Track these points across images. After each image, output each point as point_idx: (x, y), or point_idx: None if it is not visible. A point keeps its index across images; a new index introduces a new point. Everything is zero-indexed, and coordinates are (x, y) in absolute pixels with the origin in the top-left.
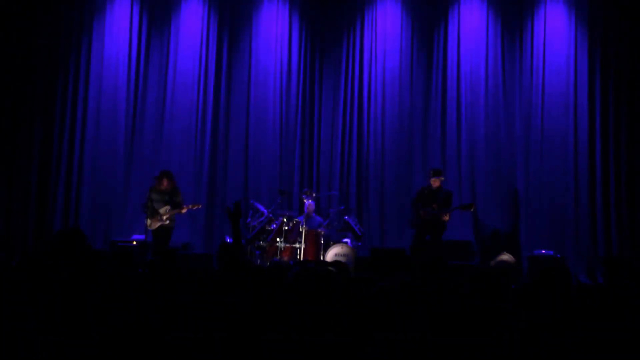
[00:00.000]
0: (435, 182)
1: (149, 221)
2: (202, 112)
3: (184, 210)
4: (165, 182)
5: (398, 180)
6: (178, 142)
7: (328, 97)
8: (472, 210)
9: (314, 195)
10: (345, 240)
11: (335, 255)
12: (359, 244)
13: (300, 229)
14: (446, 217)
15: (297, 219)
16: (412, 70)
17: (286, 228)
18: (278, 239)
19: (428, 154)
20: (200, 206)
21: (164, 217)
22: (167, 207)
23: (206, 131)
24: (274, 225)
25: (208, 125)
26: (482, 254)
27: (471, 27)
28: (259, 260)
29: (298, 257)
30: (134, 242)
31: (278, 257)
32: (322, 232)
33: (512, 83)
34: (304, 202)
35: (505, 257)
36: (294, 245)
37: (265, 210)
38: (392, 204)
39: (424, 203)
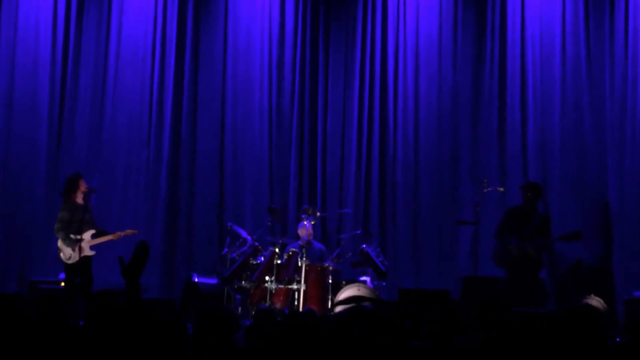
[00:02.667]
0: (525, 198)
1: (68, 251)
2: (159, 97)
3: (117, 237)
4: (83, 184)
5: (438, 191)
6: (124, 140)
7: (337, 76)
8: (580, 239)
9: (317, 214)
10: (364, 278)
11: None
12: (384, 283)
13: (299, 263)
14: (532, 252)
15: (293, 249)
16: (457, 35)
17: (279, 262)
18: (267, 278)
19: (480, 153)
20: (136, 232)
21: (88, 245)
22: (92, 232)
23: (164, 125)
24: (262, 258)
25: (167, 117)
26: (559, 297)
27: None
28: (240, 308)
29: (296, 302)
30: (62, 284)
31: (267, 302)
32: (330, 267)
33: (601, 52)
34: (299, 225)
35: (593, 301)
36: (290, 287)
37: (248, 237)
38: (429, 227)
39: (513, 230)
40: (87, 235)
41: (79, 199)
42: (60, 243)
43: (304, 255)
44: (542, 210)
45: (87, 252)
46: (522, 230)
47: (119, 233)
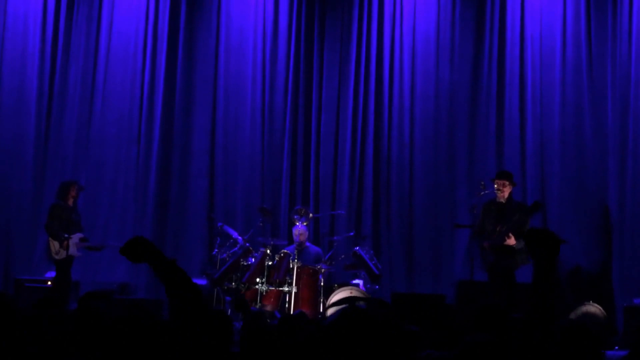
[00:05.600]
0: (501, 192)
1: (56, 246)
2: (149, 94)
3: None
4: (77, 189)
5: (434, 193)
6: (113, 137)
7: (331, 75)
8: (538, 211)
9: (310, 215)
10: (357, 281)
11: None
12: (376, 287)
13: (291, 265)
14: (511, 240)
15: (285, 250)
16: (455, 34)
17: (270, 263)
18: (258, 280)
19: (477, 155)
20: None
21: (75, 246)
22: (80, 235)
23: (154, 122)
24: (252, 259)
25: (157, 114)
26: (558, 304)
27: None
28: (229, 310)
29: (287, 305)
30: (49, 282)
31: (258, 304)
32: (322, 270)
33: (602, 53)
34: (293, 228)
35: (592, 308)
36: (281, 289)
37: (239, 238)
38: (424, 229)
39: (491, 226)
40: (75, 236)
41: (70, 202)
42: (50, 239)
43: (297, 257)
44: (520, 200)
45: (74, 252)
46: (501, 224)
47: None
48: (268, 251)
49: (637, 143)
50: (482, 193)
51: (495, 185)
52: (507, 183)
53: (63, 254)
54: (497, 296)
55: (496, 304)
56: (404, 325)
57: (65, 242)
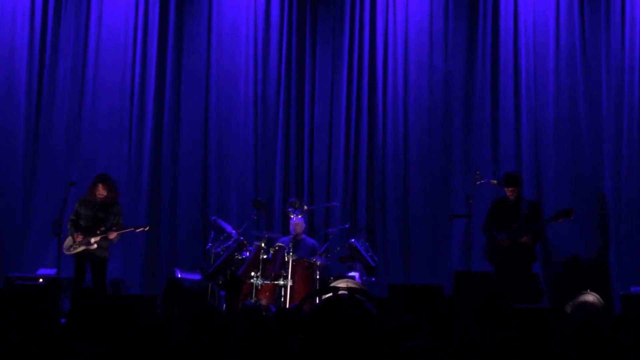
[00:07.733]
0: (512, 193)
1: (70, 240)
2: (140, 86)
3: (112, 236)
4: (100, 189)
5: (429, 184)
6: (105, 130)
7: (324, 66)
8: (571, 217)
9: (305, 208)
10: (352, 274)
11: None
12: (372, 279)
13: (286, 258)
14: (527, 238)
15: (280, 243)
16: (448, 23)
17: (265, 257)
18: (253, 273)
19: (473, 144)
20: (146, 228)
21: (92, 241)
22: (101, 228)
23: (146, 115)
24: (247, 253)
25: (149, 106)
26: (554, 293)
27: None
28: (224, 304)
29: (282, 298)
30: (41, 280)
31: (253, 299)
32: (318, 263)
33: (596, 40)
34: (290, 219)
35: (590, 297)
36: (276, 282)
37: (233, 231)
38: (420, 220)
39: (502, 223)
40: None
41: (95, 197)
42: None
43: (292, 250)
44: (530, 198)
45: (90, 246)
46: (513, 221)
47: (115, 232)
48: (263, 244)
49: (632, 130)
50: (478, 182)
51: (509, 193)
52: (517, 189)
53: (73, 249)
54: (509, 286)
55: (499, 295)
56: (397, 316)
57: (77, 238)
